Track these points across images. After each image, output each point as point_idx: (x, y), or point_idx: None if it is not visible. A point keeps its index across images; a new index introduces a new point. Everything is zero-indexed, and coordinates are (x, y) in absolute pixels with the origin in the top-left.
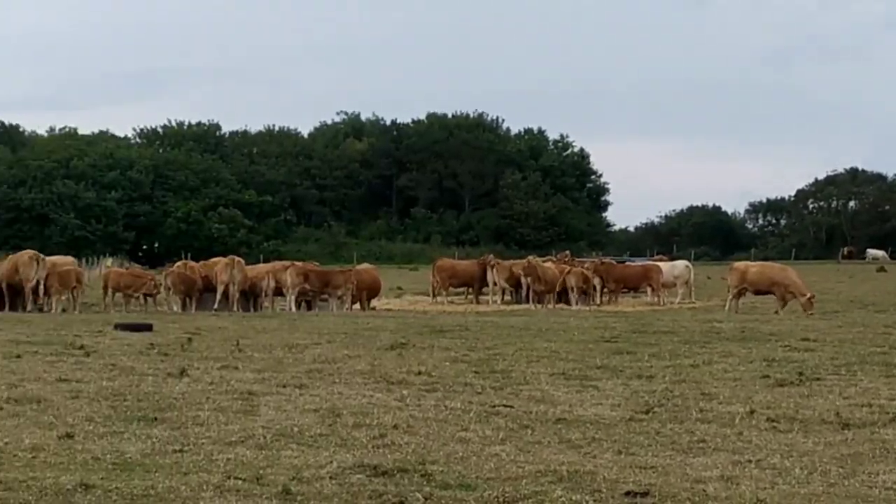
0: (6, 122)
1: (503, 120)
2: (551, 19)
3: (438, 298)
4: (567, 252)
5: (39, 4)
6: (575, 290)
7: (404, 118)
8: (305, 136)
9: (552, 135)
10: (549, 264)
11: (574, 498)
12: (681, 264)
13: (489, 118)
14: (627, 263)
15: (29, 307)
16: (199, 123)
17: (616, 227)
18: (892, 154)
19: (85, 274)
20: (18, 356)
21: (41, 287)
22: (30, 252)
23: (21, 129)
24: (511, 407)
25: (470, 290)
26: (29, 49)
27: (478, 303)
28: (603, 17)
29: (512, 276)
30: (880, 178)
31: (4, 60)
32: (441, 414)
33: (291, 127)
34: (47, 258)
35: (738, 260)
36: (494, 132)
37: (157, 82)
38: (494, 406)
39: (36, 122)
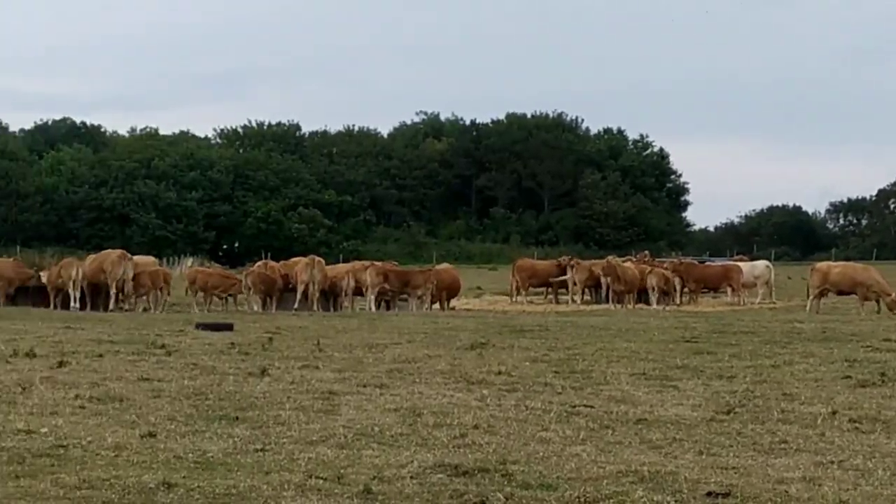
0: (88, 123)
1: (583, 120)
2: (630, 19)
3: (518, 298)
4: (647, 252)
5: (120, 7)
6: (656, 290)
7: (484, 118)
8: (385, 136)
9: (632, 135)
10: (628, 264)
11: (655, 498)
12: (761, 264)
13: (569, 118)
14: (707, 263)
15: (111, 306)
16: (279, 124)
17: (696, 227)
18: None
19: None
20: (101, 355)
21: (128, 286)
22: (118, 251)
23: (103, 130)
24: (591, 407)
25: (549, 290)
26: (111, 51)
27: (557, 303)
28: (682, 16)
29: (591, 276)
30: None
31: (87, 62)
32: (521, 414)
33: (371, 127)
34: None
35: (818, 260)
36: (574, 132)
37: (237, 83)
38: (575, 406)
39: (117, 123)
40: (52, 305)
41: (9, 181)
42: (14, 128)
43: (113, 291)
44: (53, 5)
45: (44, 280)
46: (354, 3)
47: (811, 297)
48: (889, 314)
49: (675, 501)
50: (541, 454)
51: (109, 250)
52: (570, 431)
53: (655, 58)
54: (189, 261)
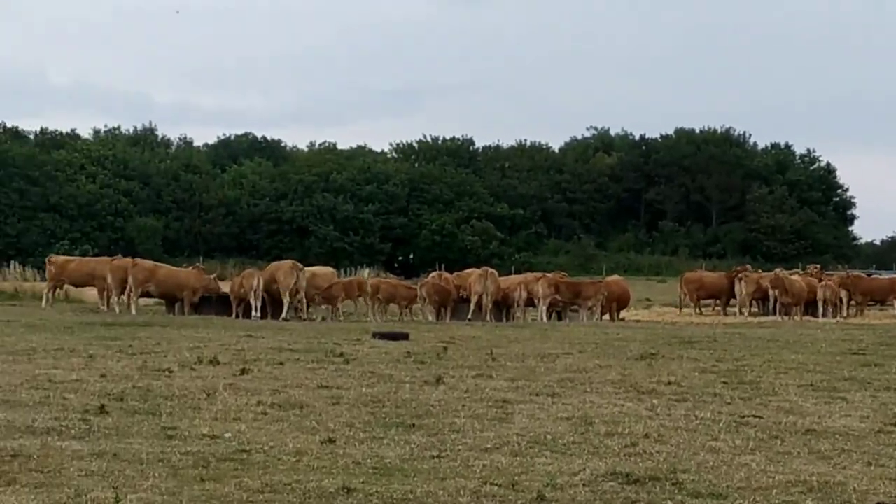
0: (269, 137)
1: (750, 135)
2: (797, 36)
3: (686, 310)
4: (817, 266)
5: (300, 25)
6: (827, 302)
7: (653, 133)
8: (556, 150)
9: (799, 149)
10: (795, 277)
11: None
12: None
13: (736, 133)
14: (874, 277)
15: (284, 315)
16: (453, 138)
17: (862, 241)
18: None
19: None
20: (281, 363)
21: (301, 296)
22: (290, 262)
23: (283, 144)
24: (760, 417)
25: (717, 302)
26: (291, 68)
27: (725, 315)
28: (849, 32)
29: (759, 288)
30: None
31: (268, 79)
32: (691, 424)
33: (542, 142)
34: (307, 268)
35: None
36: (742, 147)
37: (413, 99)
38: (744, 416)
39: (297, 138)
40: (234, 314)
41: (193, 194)
42: (198, 142)
43: (286, 301)
44: (236, 24)
45: (221, 287)
46: (525, 22)
47: None
48: None
49: None
50: (710, 464)
51: (282, 261)
52: (740, 441)
53: (822, 73)
54: (365, 272)
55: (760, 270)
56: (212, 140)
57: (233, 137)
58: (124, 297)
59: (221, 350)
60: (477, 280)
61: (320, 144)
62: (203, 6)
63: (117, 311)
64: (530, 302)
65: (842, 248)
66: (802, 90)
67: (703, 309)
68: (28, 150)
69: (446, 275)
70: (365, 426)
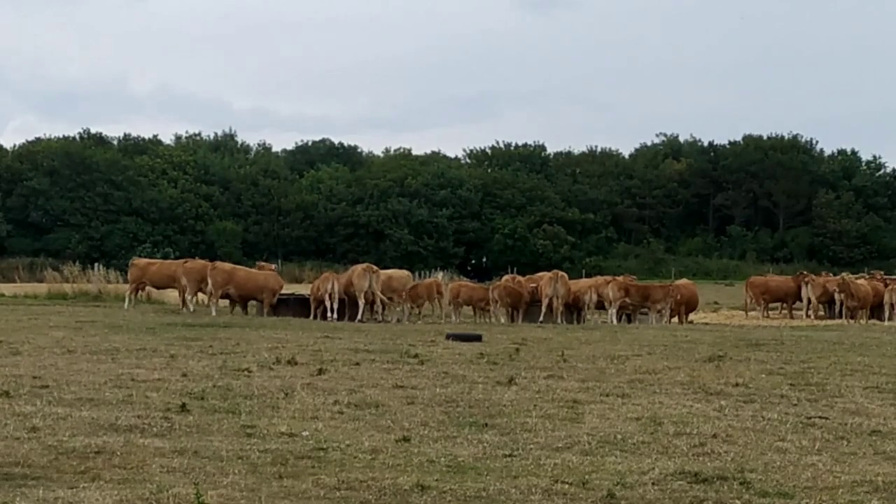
0: (345, 144)
1: (817, 141)
2: (862, 44)
3: (752, 313)
4: (881, 271)
5: (375, 35)
6: (893, 306)
7: (721, 140)
8: (626, 156)
9: (865, 156)
10: (861, 281)
11: None
12: None
13: (803, 140)
14: None
15: (359, 317)
16: (525, 144)
17: None
18: None
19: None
20: (357, 364)
21: (377, 298)
22: (364, 265)
23: (359, 150)
24: (826, 419)
25: (783, 305)
26: (367, 76)
27: (792, 317)
28: None
29: (825, 292)
30: None
31: (344, 87)
32: (758, 424)
33: (613, 148)
34: (382, 271)
35: None
36: (809, 153)
37: (486, 105)
38: (810, 417)
39: (373, 144)
40: (312, 316)
41: (272, 198)
42: (277, 148)
43: (361, 303)
44: (314, 33)
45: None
46: (596, 31)
47: None
48: None
49: None
50: (778, 463)
51: (357, 265)
52: (806, 442)
53: (889, 81)
54: (440, 274)
55: (829, 274)
56: (290, 146)
57: (310, 143)
58: (204, 298)
59: (299, 350)
60: (548, 283)
61: (396, 150)
62: (283, 16)
63: (191, 309)
64: (600, 305)
65: None
66: (869, 97)
67: (769, 312)
68: (111, 156)
69: (519, 278)
70: (439, 425)
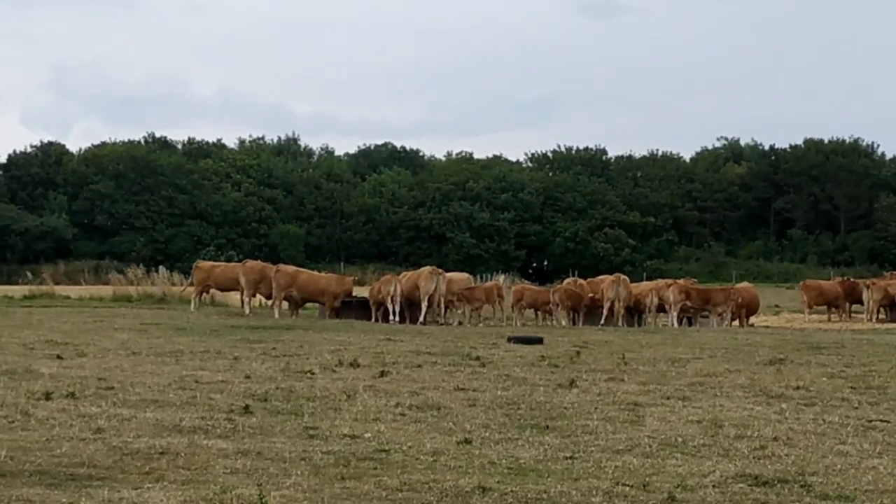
0: (407, 147)
1: (878, 145)
2: None
3: (805, 317)
4: None
5: (438, 37)
6: None
7: (782, 143)
8: (687, 160)
9: None
10: None
11: None
12: None
13: (865, 143)
14: None
15: (421, 319)
16: (586, 148)
17: None
18: None
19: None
20: (419, 366)
21: (442, 301)
22: (429, 267)
23: (421, 154)
24: (888, 422)
25: (833, 308)
26: (429, 79)
27: (850, 320)
28: None
29: (887, 295)
30: None
31: (406, 90)
32: (819, 427)
33: (674, 151)
34: (446, 274)
35: None
36: (870, 157)
37: (547, 109)
38: (871, 421)
39: (434, 147)
40: (373, 318)
41: (334, 202)
42: (339, 152)
43: (424, 305)
44: (374, 37)
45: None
46: (657, 35)
47: None
48: None
49: None
50: (839, 466)
51: (423, 268)
52: (867, 445)
53: None
54: (501, 277)
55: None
56: (352, 150)
57: (372, 147)
58: (267, 301)
59: (361, 353)
60: (609, 286)
61: (457, 154)
62: (344, 20)
63: (247, 311)
64: (661, 308)
65: None
66: None
67: (831, 316)
68: (176, 160)
69: (580, 281)
70: (500, 427)
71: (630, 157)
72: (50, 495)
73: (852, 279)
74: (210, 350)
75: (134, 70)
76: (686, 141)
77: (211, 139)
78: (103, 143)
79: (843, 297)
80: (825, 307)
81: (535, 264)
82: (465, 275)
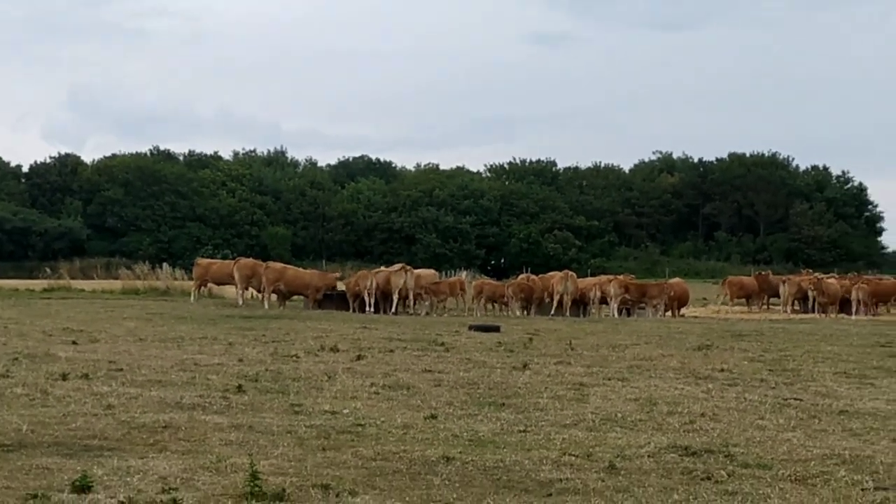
0: (382, 159)
1: (793, 158)
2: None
3: (724, 307)
4: (856, 273)
5: (410, 63)
6: (861, 302)
7: (709, 156)
8: (626, 171)
9: (835, 171)
10: (831, 280)
11: (855, 478)
12: None
13: (782, 156)
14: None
15: (393, 310)
16: (538, 160)
17: (889, 250)
18: None
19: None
20: (391, 351)
21: (410, 294)
22: (400, 264)
23: (393, 165)
24: (800, 400)
25: (750, 300)
26: (401, 100)
27: (769, 311)
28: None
29: (800, 290)
30: None
31: (381, 110)
32: (741, 405)
33: (615, 163)
34: (414, 270)
35: None
36: (786, 169)
37: (505, 127)
38: (786, 399)
39: (405, 159)
40: (351, 309)
41: (317, 206)
42: (322, 163)
43: (396, 298)
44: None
45: (340, 288)
46: (601, 62)
47: None
48: None
49: (873, 481)
50: (758, 439)
51: (395, 265)
52: (783, 420)
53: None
54: (463, 274)
55: (811, 271)
56: (333, 161)
57: (351, 159)
58: (258, 294)
59: (341, 339)
60: (558, 281)
61: (425, 165)
62: (328, 51)
63: (240, 303)
64: (604, 300)
65: (872, 256)
66: (840, 119)
67: (752, 308)
68: (178, 169)
69: (533, 276)
70: (462, 405)
71: (576, 168)
72: (66, 464)
73: (764, 272)
74: (208, 336)
75: (143, 91)
76: (625, 154)
77: (209, 151)
78: (114, 155)
79: (759, 289)
80: (745, 300)
81: (493, 262)
82: (432, 271)
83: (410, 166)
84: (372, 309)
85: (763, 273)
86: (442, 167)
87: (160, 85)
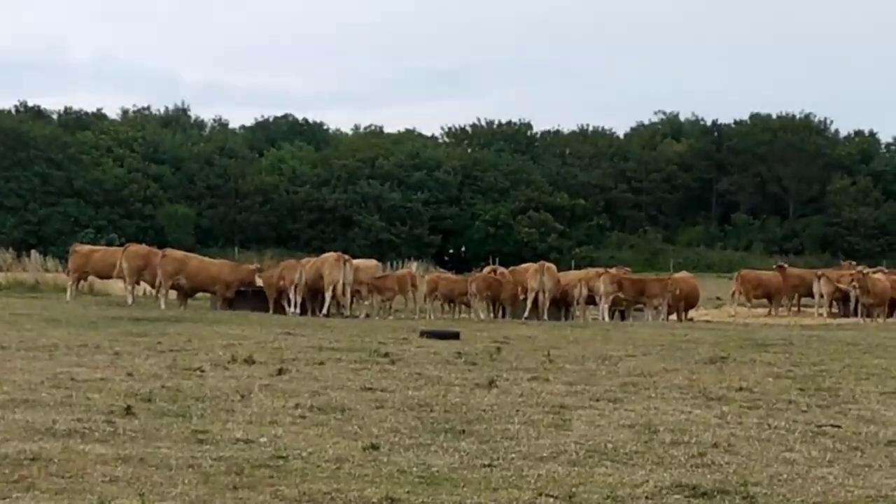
0: (310, 120)
1: (832, 122)
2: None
3: (741, 309)
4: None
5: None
6: None
7: (726, 119)
8: (621, 136)
9: (884, 138)
10: (879, 276)
11: None
12: None
13: (817, 119)
14: None
15: (324, 311)
16: (509, 122)
17: None
18: None
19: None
20: (321, 363)
21: (348, 291)
22: (336, 254)
23: (325, 128)
24: (839, 427)
25: (773, 300)
26: (333, 44)
27: (799, 313)
28: None
29: (839, 288)
30: None
31: (309, 57)
32: (764, 433)
33: (606, 127)
34: (353, 261)
35: None
36: (822, 135)
37: (465, 79)
38: (821, 426)
39: (340, 120)
40: (271, 310)
41: (227, 179)
42: (234, 124)
43: (328, 295)
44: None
45: (259, 282)
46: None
47: None
48: None
49: None
50: (784, 476)
51: (327, 253)
52: (816, 452)
53: None
54: (414, 265)
55: (853, 264)
56: (248, 122)
57: (271, 119)
58: (152, 290)
59: (257, 348)
60: (533, 275)
61: (366, 128)
62: None
63: (129, 301)
64: (591, 300)
65: None
66: (890, 73)
67: (776, 310)
68: (50, 131)
69: (501, 269)
70: (411, 432)
71: (558, 132)
72: None
73: (784, 265)
74: (88, 344)
75: (2, 30)
76: (619, 115)
77: (90, 109)
78: None
79: (783, 286)
80: (766, 300)
81: (451, 251)
82: (374, 262)
83: (347, 129)
84: (297, 310)
85: (783, 266)
86: (387, 130)
87: (22, 23)
